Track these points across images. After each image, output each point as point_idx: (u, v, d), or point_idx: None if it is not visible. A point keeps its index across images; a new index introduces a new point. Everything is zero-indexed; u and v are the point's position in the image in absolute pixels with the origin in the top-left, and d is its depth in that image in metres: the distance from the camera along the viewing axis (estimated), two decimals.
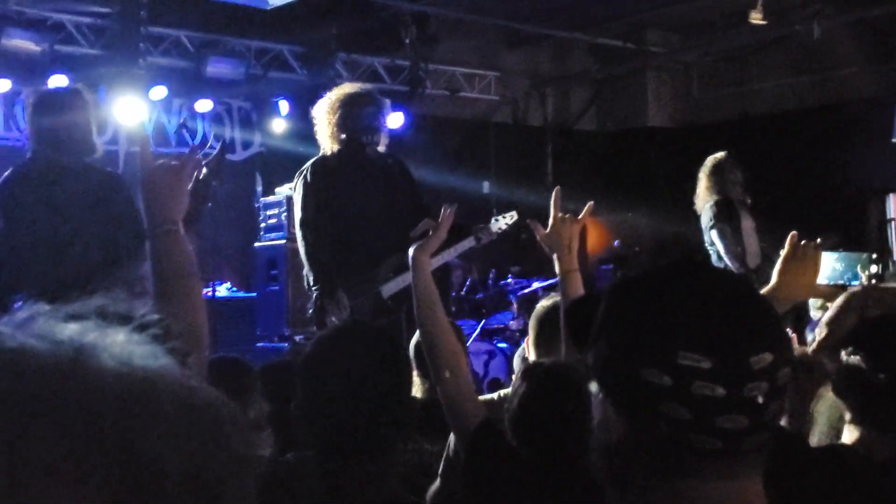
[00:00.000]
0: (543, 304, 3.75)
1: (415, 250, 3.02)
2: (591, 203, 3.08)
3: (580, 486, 2.50)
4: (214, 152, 5.34)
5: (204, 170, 5.07)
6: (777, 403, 1.19)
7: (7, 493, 0.58)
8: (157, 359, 0.67)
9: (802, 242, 2.56)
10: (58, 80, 8.38)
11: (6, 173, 4.92)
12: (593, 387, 1.26)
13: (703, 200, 7.05)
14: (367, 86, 5.77)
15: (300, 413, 2.12)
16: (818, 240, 2.61)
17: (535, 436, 2.52)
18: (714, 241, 6.84)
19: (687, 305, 1.19)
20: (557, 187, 3.05)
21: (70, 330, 0.66)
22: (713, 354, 1.15)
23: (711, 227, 6.86)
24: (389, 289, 5.43)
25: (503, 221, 5.78)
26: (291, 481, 2.34)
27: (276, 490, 2.51)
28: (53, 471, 0.58)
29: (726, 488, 1.19)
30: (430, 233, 3.17)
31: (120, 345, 0.66)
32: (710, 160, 7.20)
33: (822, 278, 2.58)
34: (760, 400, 1.15)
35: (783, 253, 2.53)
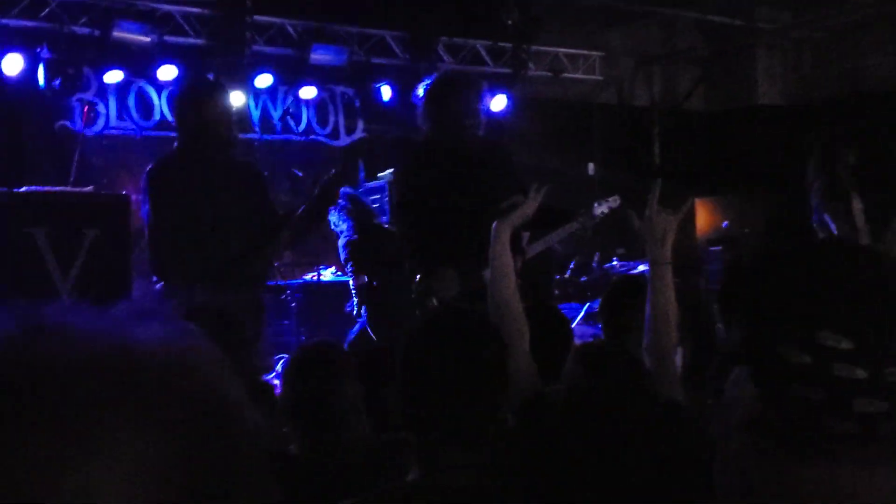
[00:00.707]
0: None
1: (498, 221, 3.10)
2: (692, 198, 3.04)
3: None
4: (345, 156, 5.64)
5: (332, 171, 5.33)
6: None
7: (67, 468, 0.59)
8: (184, 334, 0.69)
9: None
10: (167, 71, 8.57)
11: (154, 161, 5.20)
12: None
13: (814, 179, 6.86)
14: (467, 69, 5.77)
15: (398, 397, 2.12)
16: None
17: (581, 419, 2.50)
18: (826, 222, 6.65)
19: (831, 284, 1.15)
20: (658, 179, 3.02)
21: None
22: (855, 335, 1.10)
23: (823, 209, 6.67)
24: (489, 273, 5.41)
25: (605, 206, 5.72)
26: (386, 461, 2.35)
27: (371, 468, 2.52)
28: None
29: (861, 476, 1.14)
30: (518, 207, 3.22)
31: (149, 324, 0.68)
32: (821, 138, 6.99)
33: None
34: None
35: (889, 234, 2.44)
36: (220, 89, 5.18)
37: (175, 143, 5.24)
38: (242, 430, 0.67)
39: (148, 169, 5.14)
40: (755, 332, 1.19)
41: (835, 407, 1.11)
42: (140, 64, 8.66)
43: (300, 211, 5.33)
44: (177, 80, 8.65)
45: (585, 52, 11.50)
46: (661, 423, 2.59)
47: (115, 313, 0.69)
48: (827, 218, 6.63)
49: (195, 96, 5.12)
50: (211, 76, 5.53)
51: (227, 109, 5.17)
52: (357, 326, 7.07)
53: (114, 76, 8.57)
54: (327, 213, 5.44)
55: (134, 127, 9.06)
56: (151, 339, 0.66)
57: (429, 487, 2.00)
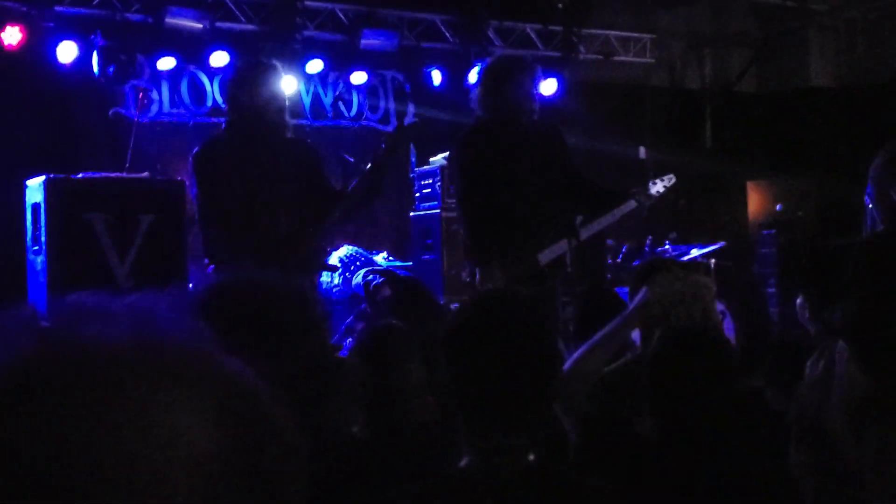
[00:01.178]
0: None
1: (628, 316, 3.02)
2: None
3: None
4: (395, 129, 5.52)
5: (383, 145, 5.24)
6: None
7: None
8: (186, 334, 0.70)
9: None
10: (219, 57, 8.63)
11: (203, 143, 5.18)
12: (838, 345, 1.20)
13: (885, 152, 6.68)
14: (521, 54, 5.73)
15: (444, 379, 2.12)
16: None
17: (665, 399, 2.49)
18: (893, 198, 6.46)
19: None
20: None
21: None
22: None
23: (890, 185, 6.48)
24: (546, 256, 5.40)
25: (661, 185, 5.67)
26: (447, 446, 2.35)
27: (432, 453, 2.54)
28: None
29: None
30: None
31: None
32: None
33: None
34: None
35: None
36: (274, 71, 5.11)
37: (223, 126, 5.23)
38: (272, 426, 0.69)
39: (195, 151, 5.13)
40: (867, 313, 1.16)
41: None
42: (192, 50, 8.72)
43: (361, 177, 5.19)
44: (229, 65, 8.72)
45: (636, 34, 11.40)
46: (746, 407, 2.59)
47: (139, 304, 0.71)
48: (893, 193, 6.45)
49: (249, 77, 5.07)
50: (265, 59, 5.44)
51: (280, 92, 5.12)
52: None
53: (166, 63, 8.65)
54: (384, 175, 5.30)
55: (186, 113, 9.15)
56: (183, 334, 0.68)
57: (479, 473, 2.00)
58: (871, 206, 6.59)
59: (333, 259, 7.80)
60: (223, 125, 5.23)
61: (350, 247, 8.26)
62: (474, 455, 2.02)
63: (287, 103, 5.17)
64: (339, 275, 7.75)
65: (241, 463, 0.65)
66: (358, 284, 7.06)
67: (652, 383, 2.61)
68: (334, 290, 7.84)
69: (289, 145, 5.19)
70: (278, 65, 5.20)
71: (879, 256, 1.19)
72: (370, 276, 7.04)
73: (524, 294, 2.90)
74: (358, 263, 7.63)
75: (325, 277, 7.82)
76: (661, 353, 2.63)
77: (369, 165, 5.15)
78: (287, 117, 5.15)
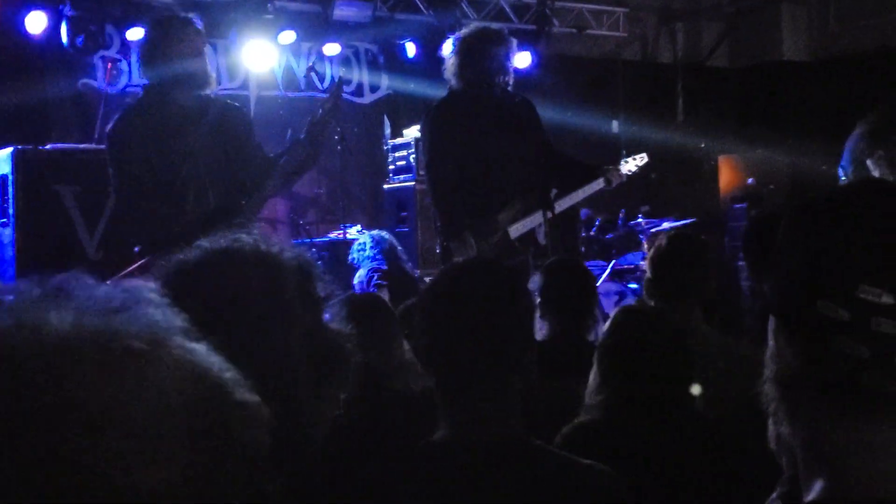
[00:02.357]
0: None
1: None
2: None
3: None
4: (330, 92, 5.08)
5: (319, 111, 4.89)
6: None
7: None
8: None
9: None
10: None
11: (117, 115, 4.71)
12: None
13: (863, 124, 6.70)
14: (495, 25, 5.69)
15: (420, 348, 2.11)
16: None
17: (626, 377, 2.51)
18: (867, 168, 6.49)
19: (870, 234, 1.10)
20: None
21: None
22: None
23: (868, 155, 6.49)
24: (517, 230, 5.41)
25: (633, 164, 5.69)
26: (416, 415, 2.34)
27: (412, 425, 2.52)
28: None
29: None
30: None
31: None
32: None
33: None
34: None
35: None
36: (187, 24, 4.63)
37: (141, 91, 4.80)
38: (238, 413, 0.69)
39: (108, 128, 4.68)
40: (790, 286, 1.15)
41: (876, 364, 1.08)
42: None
43: (296, 143, 4.73)
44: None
45: (609, 8, 11.38)
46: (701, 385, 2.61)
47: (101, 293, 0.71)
48: (870, 163, 6.48)
49: (160, 33, 4.59)
50: (183, 15, 4.92)
51: (197, 47, 4.61)
52: None
53: (136, 33, 8.52)
54: (322, 135, 4.90)
55: None
56: (137, 325, 0.68)
57: (455, 445, 1.98)
58: (844, 178, 6.63)
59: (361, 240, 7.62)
60: (140, 91, 4.81)
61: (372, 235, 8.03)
62: (450, 426, 2.00)
63: (206, 61, 4.66)
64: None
65: (205, 446, 0.65)
66: (361, 281, 6.99)
67: (603, 362, 2.64)
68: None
69: (212, 109, 4.71)
70: (191, 17, 4.71)
71: (802, 223, 1.18)
72: (373, 275, 6.96)
73: (500, 262, 2.89)
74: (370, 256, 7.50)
75: (356, 253, 7.69)
76: (616, 331, 2.65)
77: (305, 132, 4.71)
78: (209, 73, 4.65)
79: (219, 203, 4.59)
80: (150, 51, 4.60)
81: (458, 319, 2.00)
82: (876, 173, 6.43)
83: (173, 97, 4.60)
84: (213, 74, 4.77)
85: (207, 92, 4.71)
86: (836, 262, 1.10)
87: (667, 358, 2.56)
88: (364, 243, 7.44)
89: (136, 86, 8.90)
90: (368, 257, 7.22)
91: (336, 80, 5.38)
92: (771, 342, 1.18)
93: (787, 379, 1.16)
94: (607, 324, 2.77)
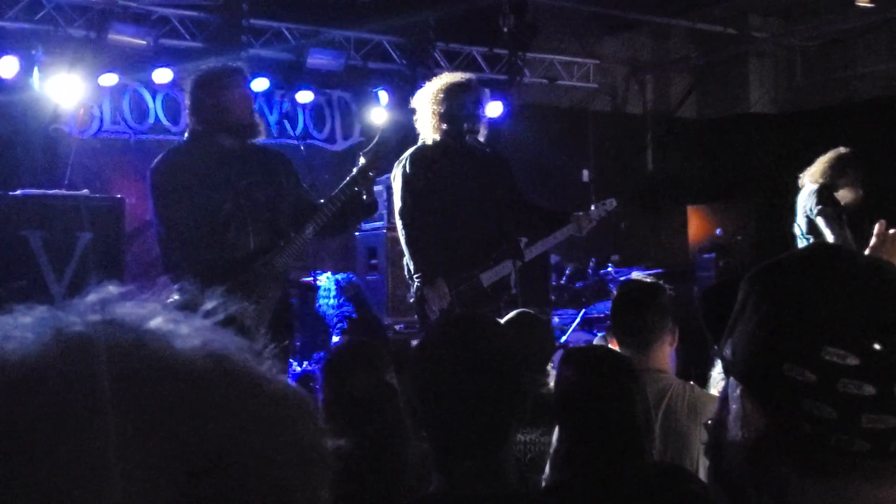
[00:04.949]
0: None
1: None
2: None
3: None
4: (372, 144, 5.27)
5: (362, 159, 5.04)
6: None
7: (74, 475, 0.57)
8: (227, 348, 0.66)
9: (891, 231, 2.44)
10: (162, 74, 8.55)
11: (162, 154, 4.85)
12: (717, 384, 1.21)
13: (809, 181, 6.83)
14: (468, 75, 5.75)
15: (413, 407, 2.09)
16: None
17: (575, 422, 2.51)
18: (819, 227, 6.61)
19: (831, 296, 1.12)
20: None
21: (135, 314, 0.65)
22: (861, 350, 1.08)
23: (817, 213, 6.62)
24: (489, 277, 5.42)
25: (602, 209, 5.72)
26: (411, 475, 2.31)
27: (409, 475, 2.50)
28: (118, 455, 0.58)
29: (874, 493, 1.13)
30: None
31: (189, 331, 0.65)
32: (837, 151, 6.89)
33: None
34: None
35: (872, 242, 2.41)
36: (239, 72, 4.83)
37: (185, 135, 4.95)
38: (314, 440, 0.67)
39: (153, 165, 4.80)
40: (755, 351, 1.16)
41: (843, 424, 1.09)
42: (135, 67, 8.63)
43: (337, 192, 4.98)
44: (172, 83, 8.65)
45: (580, 59, 11.53)
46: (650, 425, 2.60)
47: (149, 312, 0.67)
48: (822, 223, 6.59)
49: (212, 78, 4.76)
50: (233, 65, 5.08)
51: (247, 92, 4.82)
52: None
53: (109, 79, 8.54)
54: (363, 195, 5.09)
55: (128, 130, 9.04)
56: (187, 358, 0.64)
57: (450, 499, 1.97)
58: (801, 237, 6.72)
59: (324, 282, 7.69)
60: (185, 135, 4.95)
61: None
62: (445, 481, 1.99)
63: (254, 106, 4.87)
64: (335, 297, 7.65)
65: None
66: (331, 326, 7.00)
67: (559, 404, 2.63)
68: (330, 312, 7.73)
69: (255, 153, 4.89)
70: (242, 67, 4.93)
71: (764, 287, 1.20)
72: (338, 323, 6.97)
73: (491, 318, 2.90)
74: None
75: (322, 300, 7.73)
76: (567, 373, 2.65)
77: (346, 181, 4.98)
78: (256, 122, 4.83)
79: (258, 243, 4.72)
80: (199, 99, 4.74)
81: (450, 377, 1.99)
82: (826, 231, 6.55)
83: (218, 141, 4.75)
84: (261, 123, 4.91)
85: (254, 141, 4.88)
86: (800, 325, 1.12)
87: (613, 394, 2.53)
88: (329, 289, 7.43)
89: (107, 132, 8.91)
90: (332, 305, 7.21)
91: (380, 131, 5.48)
92: (734, 405, 1.19)
93: (754, 441, 1.17)
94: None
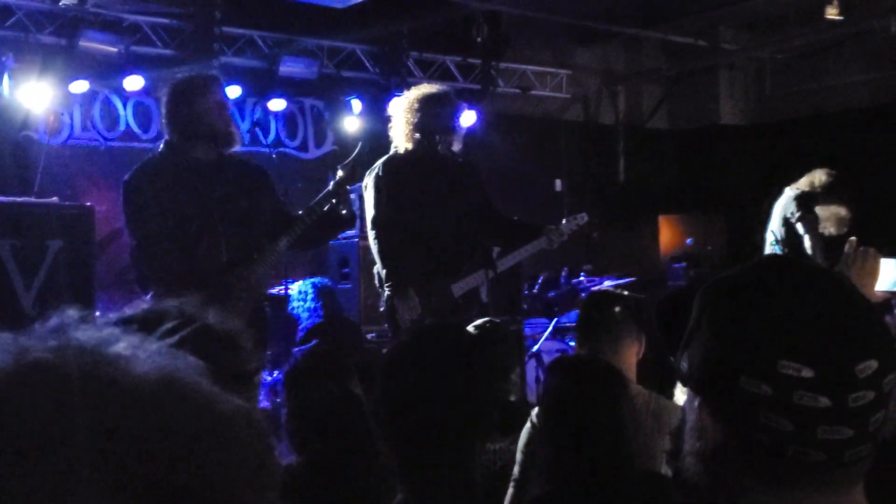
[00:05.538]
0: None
1: None
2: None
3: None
4: (350, 157, 5.26)
5: (340, 172, 5.02)
6: (882, 413, 1.14)
7: (29, 499, 0.58)
8: (179, 370, 0.67)
9: (861, 249, 2.48)
10: (133, 81, 8.51)
11: (136, 167, 4.79)
12: (683, 393, 1.23)
13: (791, 188, 6.85)
14: (444, 86, 5.76)
15: (378, 413, 2.08)
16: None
17: (562, 430, 2.52)
18: (798, 232, 6.61)
19: (786, 310, 1.13)
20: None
21: (94, 339, 0.67)
22: (815, 363, 1.10)
23: (798, 219, 6.60)
24: (460, 288, 5.43)
25: (574, 223, 5.76)
26: (377, 485, 2.31)
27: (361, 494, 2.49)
28: (72, 478, 0.59)
29: (829, 499, 1.15)
30: None
31: (145, 355, 0.67)
32: (825, 170, 6.86)
33: (881, 284, 2.49)
34: (866, 410, 1.11)
35: (843, 259, 2.45)
36: (214, 83, 4.78)
37: (160, 145, 4.88)
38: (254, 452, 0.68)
39: (125, 178, 4.74)
40: (711, 364, 1.18)
41: (800, 436, 1.11)
42: (106, 74, 8.59)
43: (313, 204, 4.98)
44: (143, 90, 8.62)
45: (553, 70, 11.58)
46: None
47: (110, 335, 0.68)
48: (802, 228, 6.58)
49: (188, 89, 4.71)
50: (209, 73, 5.03)
51: (222, 101, 4.76)
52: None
53: (79, 86, 8.49)
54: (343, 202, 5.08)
55: (99, 137, 8.99)
56: (142, 382, 0.65)
57: None
58: (775, 242, 6.76)
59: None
60: (160, 146, 4.89)
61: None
62: (409, 492, 1.99)
63: (230, 119, 4.79)
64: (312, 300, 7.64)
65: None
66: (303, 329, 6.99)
67: (545, 413, 2.63)
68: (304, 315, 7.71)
69: (231, 165, 4.84)
70: (218, 75, 4.88)
71: (719, 300, 1.22)
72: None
73: (459, 328, 2.90)
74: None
75: (297, 302, 7.70)
76: (554, 381, 2.66)
77: (323, 193, 4.99)
78: (232, 131, 4.77)
79: (231, 255, 4.69)
80: (175, 108, 4.69)
81: (418, 387, 1.99)
82: (805, 237, 6.58)
83: (194, 153, 4.70)
84: (237, 132, 4.87)
85: (230, 150, 4.82)
86: (755, 339, 1.13)
87: (600, 403, 2.54)
88: (305, 293, 7.40)
89: (78, 139, 8.86)
90: (309, 308, 7.19)
91: (359, 144, 5.49)
92: (691, 416, 1.21)
93: (711, 452, 1.18)
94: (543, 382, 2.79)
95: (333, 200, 4.96)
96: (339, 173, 5.04)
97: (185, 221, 4.63)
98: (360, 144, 5.32)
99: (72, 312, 0.70)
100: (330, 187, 5.00)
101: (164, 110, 4.82)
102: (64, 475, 0.59)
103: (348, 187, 5.03)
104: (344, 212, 5.05)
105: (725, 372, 1.15)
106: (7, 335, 0.66)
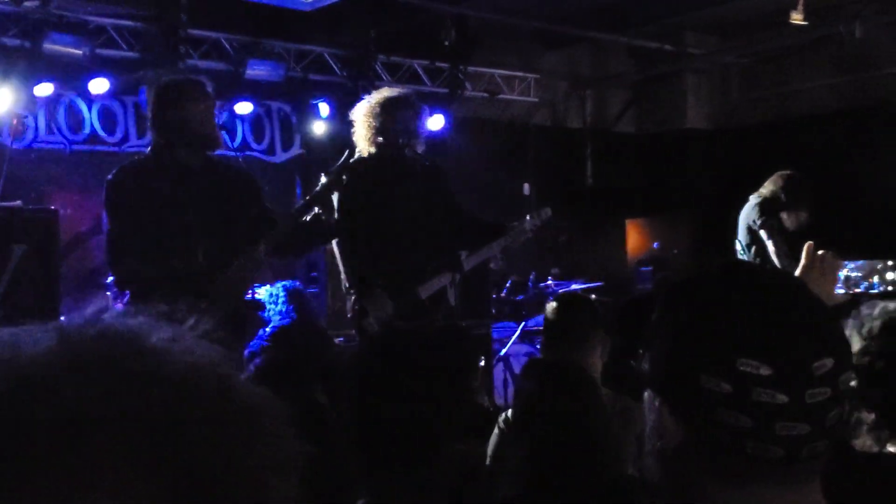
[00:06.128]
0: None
1: None
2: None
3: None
4: (338, 164, 5.25)
5: (324, 179, 5.00)
6: (838, 409, 1.16)
7: (68, 478, 0.60)
8: (212, 361, 0.70)
9: (820, 252, 2.50)
10: (98, 84, 8.46)
11: (118, 167, 4.80)
12: (647, 392, 1.24)
13: (754, 196, 6.93)
14: (406, 90, 5.77)
15: (347, 415, 2.08)
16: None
17: (535, 433, 2.52)
18: (762, 239, 6.70)
19: (744, 310, 1.16)
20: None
21: (131, 328, 0.70)
22: (773, 361, 1.12)
23: (761, 226, 6.69)
24: (426, 290, 5.44)
25: (537, 219, 5.77)
26: (338, 492, 2.30)
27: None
28: (110, 462, 0.61)
29: (787, 495, 1.17)
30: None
31: (180, 345, 0.70)
32: (786, 173, 6.98)
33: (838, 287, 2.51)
34: (822, 406, 1.13)
35: (801, 263, 2.47)
36: (199, 87, 4.77)
37: (148, 149, 4.88)
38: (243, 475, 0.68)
39: (108, 178, 4.73)
40: (671, 363, 1.20)
41: (758, 432, 1.13)
42: (71, 77, 8.52)
43: (295, 211, 4.98)
44: (108, 93, 8.56)
45: (521, 73, 11.62)
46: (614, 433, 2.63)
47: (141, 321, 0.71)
48: (766, 235, 6.68)
49: (173, 92, 4.72)
50: (194, 77, 5.03)
51: (207, 108, 4.76)
52: None
53: (44, 89, 8.42)
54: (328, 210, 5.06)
55: (63, 140, 8.92)
56: (176, 373, 0.68)
57: None
58: (742, 250, 6.82)
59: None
60: (148, 149, 4.88)
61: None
62: (374, 495, 1.98)
63: (214, 122, 4.79)
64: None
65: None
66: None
67: (519, 415, 2.64)
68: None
69: (216, 170, 4.86)
70: (204, 79, 4.85)
71: (679, 301, 1.24)
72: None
73: (425, 330, 2.90)
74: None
75: (269, 305, 7.65)
76: (527, 384, 2.66)
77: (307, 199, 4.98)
78: (216, 135, 4.78)
79: (208, 260, 4.68)
80: (161, 111, 4.71)
81: (382, 390, 1.99)
82: (769, 243, 6.66)
83: (179, 156, 4.72)
84: (220, 136, 4.87)
85: (214, 153, 4.86)
86: (715, 338, 1.16)
87: (572, 406, 2.55)
88: (276, 296, 7.36)
89: (42, 142, 8.78)
90: (280, 311, 7.15)
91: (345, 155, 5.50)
92: (651, 416, 1.22)
93: (671, 452, 1.20)
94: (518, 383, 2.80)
95: (316, 207, 4.94)
96: (324, 180, 5.02)
97: (161, 224, 4.64)
98: (347, 151, 5.31)
99: (106, 303, 0.73)
100: (313, 192, 4.99)
101: (149, 113, 4.85)
102: (98, 460, 0.61)
103: (333, 195, 5.01)
104: (327, 221, 5.04)
105: (685, 371, 1.16)
106: (54, 322, 0.69)
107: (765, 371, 1.12)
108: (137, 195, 4.65)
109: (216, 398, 0.67)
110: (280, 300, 7.25)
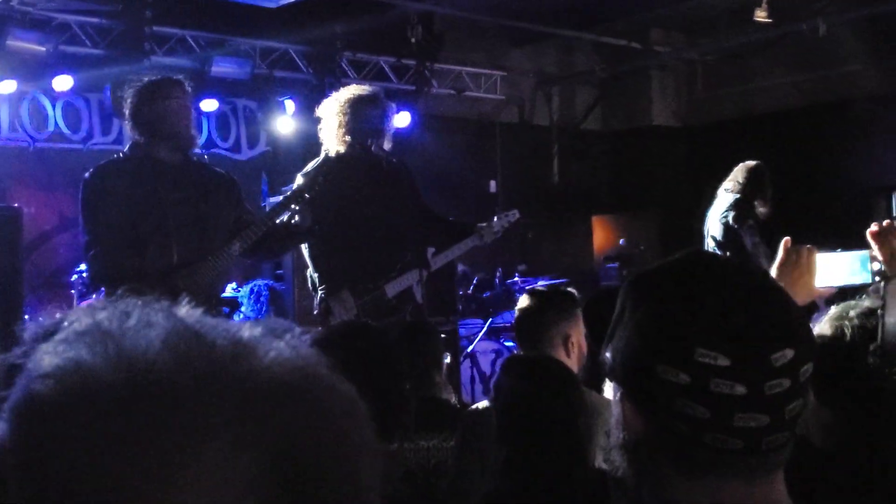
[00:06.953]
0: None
1: None
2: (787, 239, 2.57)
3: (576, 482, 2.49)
4: (315, 167, 5.23)
5: (300, 180, 4.97)
6: (799, 401, 1.16)
7: (167, 478, 0.63)
8: (308, 359, 0.74)
9: (796, 247, 2.51)
10: (62, 81, 8.37)
11: (96, 165, 4.81)
12: (610, 385, 1.25)
13: (727, 191, 6.98)
14: (373, 87, 5.76)
15: None
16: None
17: (516, 430, 2.53)
18: (737, 234, 6.74)
19: (703, 300, 1.16)
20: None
21: (226, 325, 0.74)
22: (731, 352, 1.12)
23: (739, 225, 6.74)
24: (393, 288, 5.44)
25: (505, 220, 5.80)
26: None
27: None
28: (215, 455, 0.64)
29: (748, 488, 1.17)
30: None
31: (277, 343, 0.73)
32: (751, 164, 7.08)
33: (825, 280, 2.51)
34: (782, 398, 1.13)
35: (777, 259, 2.48)
36: (178, 86, 4.80)
37: (126, 148, 4.88)
38: (344, 469, 0.71)
39: (86, 176, 4.73)
40: (631, 353, 1.20)
41: (717, 423, 1.13)
42: (35, 74, 8.42)
43: (269, 211, 5.03)
44: (72, 90, 8.48)
45: (487, 71, 11.63)
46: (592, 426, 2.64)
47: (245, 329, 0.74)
48: (743, 232, 6.73)
49: (150, 91, 4.72)
50: (174, 76, 5.02)
51: (185, 108, 4.80)
52: None
53: (7, 86, 8.32)
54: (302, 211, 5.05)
55: (27, 138, 8.83)
56: (275, 361, 0.71)
57: None
58: (714, 246, 6.86)
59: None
60: (126, 148, 4.89)
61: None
62: None
63: (192, 121, 4.85)
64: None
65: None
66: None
67: (500, 412, 2.64)
68: None
69: (195, 170, 4.88)
70: (182, 79, 4.87)
71: (639, 293, 1.24)
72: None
73: (374, 326, 2.89)
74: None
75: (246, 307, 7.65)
76: (508, 381, 2.67)
77: (278, 203, 5.00)
78: (193, 134, 4.82)
79: (182, 258, 4.68)
80: (139, 109, 4.71)
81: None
82: (746, 240, 6.71)
83: (157, 155, 4.72)
84: (197, 135, 4.92)
85: (192, 151, 4.88)
86: (673, 328, 1.16)
87: (554, 402, 2.56)
88: (259, 294, 7.36)
89: (6, 139, 8.69)
90: (257, 310, 7.14)
91: (323, 157, 5.46)
92: (615, 410, 1.23)
93: (633, 445, 1.21)
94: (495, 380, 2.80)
95: (292, 207, 4.93)
96: (299, 180, 5.03)
97: (138, 221, 4.64)
98: (325, 153, 5.31)
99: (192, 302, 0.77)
100: (287, 194, 4.99)
101: (127, 112, 4.83)
102: (203, 452, 0.64)
103: (308, 196, 4.98)
104: (307, 222, 5.01)
105: (644, 361, 1.17)
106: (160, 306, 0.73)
107: (723, 362, 1.13)
108: (114, 194, 4.65)
109: (323, 391, 0.71)
110: (262, 298, 7.23)
